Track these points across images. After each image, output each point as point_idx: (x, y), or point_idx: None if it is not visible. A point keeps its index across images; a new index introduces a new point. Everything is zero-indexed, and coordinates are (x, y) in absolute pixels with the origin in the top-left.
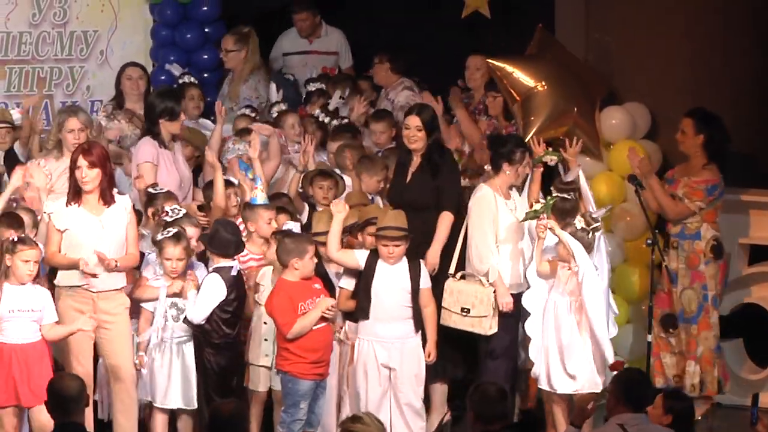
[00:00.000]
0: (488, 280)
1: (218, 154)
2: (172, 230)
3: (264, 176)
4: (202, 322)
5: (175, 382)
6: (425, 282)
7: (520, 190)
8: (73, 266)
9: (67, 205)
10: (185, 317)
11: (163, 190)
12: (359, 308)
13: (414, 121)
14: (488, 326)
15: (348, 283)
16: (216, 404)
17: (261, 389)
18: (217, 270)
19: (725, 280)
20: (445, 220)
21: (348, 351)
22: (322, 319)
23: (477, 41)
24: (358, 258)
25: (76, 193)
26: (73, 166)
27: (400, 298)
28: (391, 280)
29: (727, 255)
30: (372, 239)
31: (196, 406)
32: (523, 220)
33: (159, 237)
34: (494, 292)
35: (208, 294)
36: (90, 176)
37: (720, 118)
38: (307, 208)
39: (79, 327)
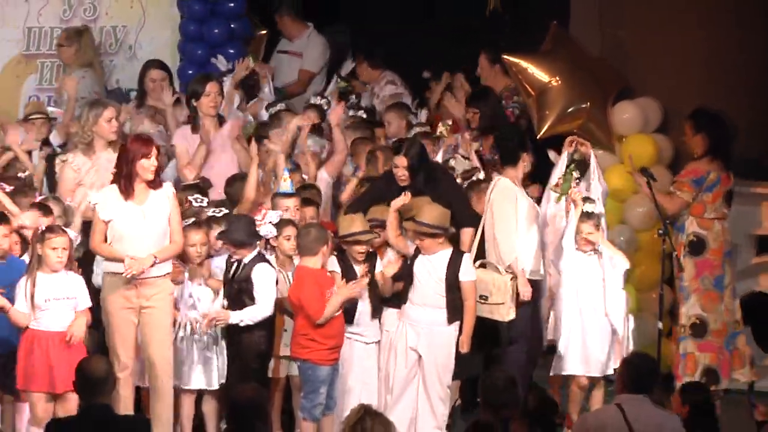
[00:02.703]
0: (511, 270)
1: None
2: (194, 218)
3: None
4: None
5: (198, 365)
6: (466, 275)
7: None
8: (119, 260)
9: (123, 197)
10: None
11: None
12: (402, 292)
13: (402, 161)
14: (506, 313)
15: (391, 268)
16: (238, 389)
17: (281, 376)
18: (259, 259)
19: (712, 280)
20: (468, 235)
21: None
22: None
23: (494, 38)
24: (410, 245)
25: (129, 183)
26: (135, 156)
27: (436, 287)
28: (429, 269)
29: (736, 250)
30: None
31: (217, 386)
32: (558, 200)
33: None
34: (512, 279)
35: (268, 283)
36: (154, 164)
37: (720, 117)
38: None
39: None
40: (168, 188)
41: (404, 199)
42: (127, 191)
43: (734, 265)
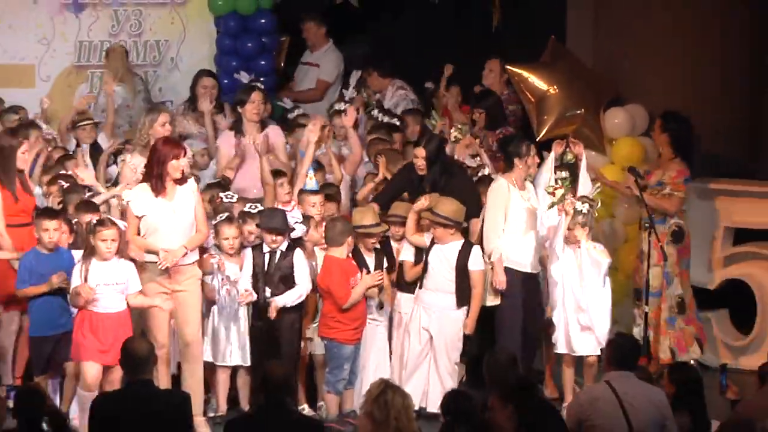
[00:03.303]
0: (490, 260)
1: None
2: (226, 214)
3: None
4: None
5: (234, 343)
6: (475, 265)
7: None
8: (153, 252)
9: (154, 194)
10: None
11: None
12: (415, 280)
13: (420, 152)
14: (486, 298)
15: (408, 256)
16: (267, 365)
17: (305, 354)
18: (294, 246)
19: (687, 261)
20: (476, 225)
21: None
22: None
23: (497, 50)
24: (426, 239)
25: (161, 182)
26: (166, 158)
27: (447, 274)
28: (441, 258)
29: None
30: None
31: (250, 363)
32: (550, 207)
33: (215, 221)
34: (491, 269)
35: (306, 267)
36: (182, 165)
37: (686, 120)
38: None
39: (159, 305)
40: (192, 183)
41: (424, 202)
42: (158, 189)
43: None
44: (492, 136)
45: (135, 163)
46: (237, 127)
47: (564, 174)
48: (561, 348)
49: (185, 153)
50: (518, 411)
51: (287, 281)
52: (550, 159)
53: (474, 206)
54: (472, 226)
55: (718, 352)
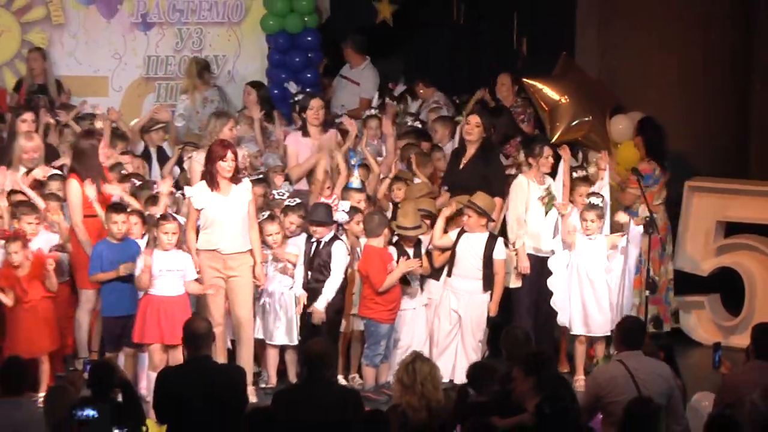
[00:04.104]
0: (515, 247)
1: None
2: (267, 213)
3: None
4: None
5: (281, 324)
6: (498, 254)
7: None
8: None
9: (210, 190)
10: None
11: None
12: (442, 267)
13: (475, 119)
14: (510, 281)
15: (442, 245)
16: (310, 342)
17: (345, 331)
18: (336, 238)
19: (659, 251)
20: (498, 204)
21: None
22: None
23: (514, 65)
24: (451, 237)
25: (213, 179)
26: (216, 159)
27: (474, 262)
28: (469, 247)
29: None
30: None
31: (297, 342)
32: (546, 214)
33: (258, 220)
34: (515, 255)
35: (342, 257)
36: (230, 165)
37: (659, 127)
38: (390, 205)
39: (211, 293)
40: (246, 182)
41: (452, 209)
42: (212, 185)
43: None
44: (509, 146)
45: (200, 159)
46: (303, 129)
47: (547, 184)
48: (577, 329)
49: (234, 155)
50: (539, 382)
51: (325, 268)
52: (561, 166)
53: (500, 185)
54: (497, 204)
55: (712, 331)
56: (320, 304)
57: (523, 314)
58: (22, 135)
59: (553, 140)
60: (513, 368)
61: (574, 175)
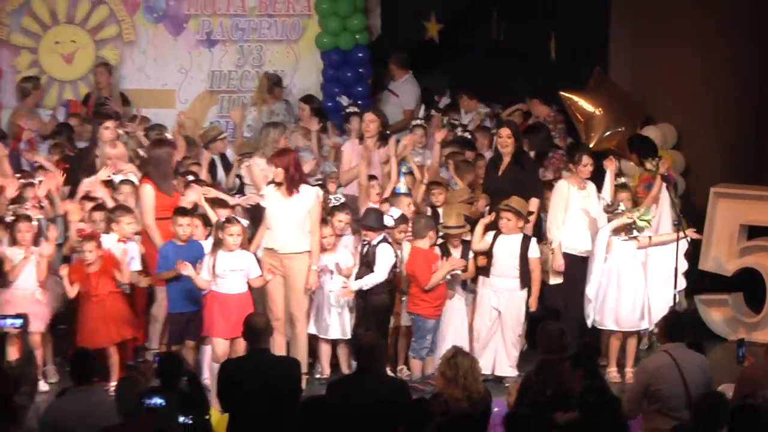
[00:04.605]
0: (552, 246)
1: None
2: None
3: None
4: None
5: (335, 320)
6: (533, 253)
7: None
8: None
9: (277, 192)
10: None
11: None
12: (486, 267)
13: (505, 131)
14: (547, 279)
15: (480, 249)
16: (361, 335)
17: (393, 326)
18: (383, 240)
19: None
20: (534, 203)
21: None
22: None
23: (553, 78)
24: (488, 240)
25: (276, 183)
26: (272, 165)
27: (511, 262)
28: (506, 248)
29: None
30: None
31: (348, 336)
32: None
33: None
34: (552, 253)
35: (386, 258)
36: (281, 172)
37: (645, 139)
38: (429, 210)
39: (270, 278)
40: (315, 190)
41: (491, 218)
42: (277, 188)
43: None
44: (548, 161)
45: (263, 166)
46: (361, 138)
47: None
48: (611, 325)
49: (286, 163)
50: (586, 374)
51: (370, 268)
52: (608, 177)
53: (535, 187)
54: (530, 206)
55: (736, 328)
56: (354, 285)
57: (569, 310)
58: (107, 143)
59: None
60: (548, 361)
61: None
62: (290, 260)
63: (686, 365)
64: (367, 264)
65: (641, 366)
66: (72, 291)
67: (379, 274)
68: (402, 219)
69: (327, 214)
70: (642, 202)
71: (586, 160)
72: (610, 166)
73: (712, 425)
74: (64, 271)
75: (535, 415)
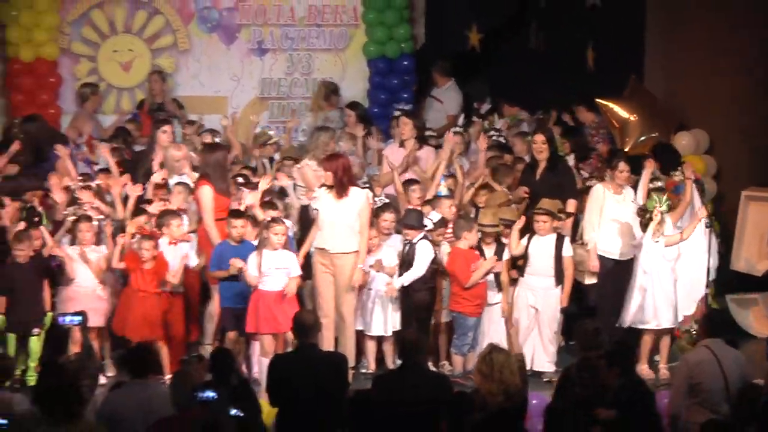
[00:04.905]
0: (587, 248)
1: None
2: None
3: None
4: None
5: (379, 317)
6: (567, 252)
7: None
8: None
9: (329, 194)
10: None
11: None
12: (522, 267)
13: (540, 137)
14: (583, 278)
15: (518, 254)
16: (405, 332)
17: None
18: (423, 239)
19: None
20: (572, 204)
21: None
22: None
23: (590, 86)
24: (523, 244)
25: (327, 186)
26: (323, 169)
27: (546, 261)
28: (541, 248)
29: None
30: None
31: (392, 333)
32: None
33: None
34: (587, 254)
35: (425, 256)
36: (329, 175)
37: (667, 146)
38: (474, 210)
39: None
40: (365, 192)
41: (522, 222)
42: (328, 189)
43: None
44: (586, 164)
45: (311, 165)
46: (401, 144)
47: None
48: (644, 324)
49: (335, 167)
50: (622, 371)
51: (411, 265)
52: (644, 179)
53: (572, 189)
54: (568, 206)
55: (767, 327)
56: (396, 283)
57: (604, 310)
58: (172, 146)
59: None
60: (586, 359)
61: (650, 186)
62: (340, 260)
63: (725, 360)
64: (408, 262)
65: (683, 360)
66: (117, 263)
67: (418, 269)
68: (441, 222)
69: (373, 215)
70: (673, 205)
71: (622, 166)
72: (648, 167)
73: (750, 417)
74: (121, 239)
75: (574, 410)
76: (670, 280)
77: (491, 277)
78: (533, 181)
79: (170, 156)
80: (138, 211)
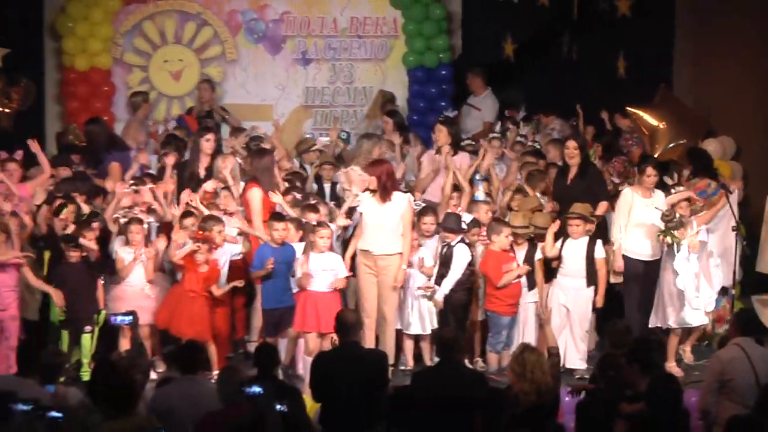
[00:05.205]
0: (613, 247)
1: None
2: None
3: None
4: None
5: (416, 317)
6: (599, 253)
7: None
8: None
9: (372, 197)
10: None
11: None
12: (556, 268)
13: (572, 143)
14: (611, 279)
15: (553, 255)
16: (442, 330)
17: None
18: (461, 242)
19: None
20: (603, 206)
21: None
22: (517, 277)
23: (621, 95)
24: (558, 247)
25: (370, 190)
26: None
27: (579, 262)
28: (575, 250)
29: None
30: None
31: (429, 331)
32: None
33: None
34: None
35: (462, 259)
36: (370, 180)
37: (703, 151)
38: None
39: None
40: (407, 196)
41: (555, 227)
42: (372, 194)
43: None
44: (610, 166)
45: (356, 169)
46: (438, 150)
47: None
48: (673, 323)
49: (378, 172)
50: (643, 368)
51: (447, 266)
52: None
53: (602, 192)
54: (599, 209)
55: None
56: (439, 295)
57: (632, 310)
58: (219, 157)
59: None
60: (609, 355)
61: (673, 191)
62: (383, 261)
63: (756, 358)
64: (445, 264)
65: (715, 357)
66: (177, 257)
67: (456, 273)
68: (474, 223)
69: (416, 217)
70: (704, 209)
71: (650, 171)
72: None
73: None
74: (175, 235)
75: (600, 406)
76: (692, 281)
77: (524, 279)
78: (565, 186)
79: (217, 167)
80: (186, 213)
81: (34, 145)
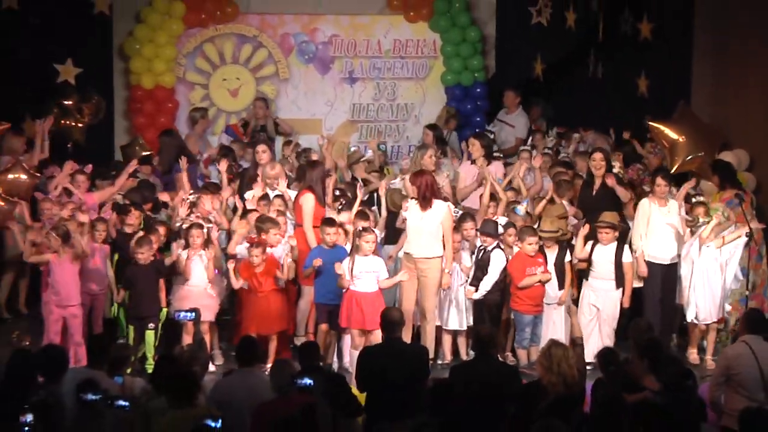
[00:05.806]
0: (635, 254)
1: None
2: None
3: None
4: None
5: (454, 314)
6: (627, 258)
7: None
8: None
9: (416, 204)
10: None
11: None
12: (587, 271)
13: (598, 155)
14: (634, 283)
15: (583, 257)
16: (478, 327)
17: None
18: (497, 246)
19: (756, 258)
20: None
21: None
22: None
23: (643, 111)
24: (587, 250)
25: (413, 198)
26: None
27: (608, 266)
28: (604, 255)
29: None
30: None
31: (466, 328)
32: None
33: None
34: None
35: (498, 262)
36: (413, 189)
37: (727, 164)
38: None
39: (402, 279)
40: (443, 205)
41: (585, 230)
42: (416, 200)
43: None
44: (629, 171)
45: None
46: (473, 161)
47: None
48: (692, 318)
49: (419, 182)
50: (651, 364)
51: (484, 270)
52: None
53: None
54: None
55: None
56: (477, 296)
57: (651, 309)
58: (268, 165)
59: (672, 171)
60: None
61: (693, 200)
62: (424, 263)
63: (762, 355)
64: (481, 266)
65: (723, 353)
66: (237, 283)
67: (492, 276)
68: (509, 224)
69: (456, 224)
70: (730, 218)
71: (659, 181)
72: (687, 184)
73: None
74: (231, 265)
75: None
76: (718, 279)
77: (554, 279)
78: (590, 195)
79: (265, 174)
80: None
81: (182, 162)
